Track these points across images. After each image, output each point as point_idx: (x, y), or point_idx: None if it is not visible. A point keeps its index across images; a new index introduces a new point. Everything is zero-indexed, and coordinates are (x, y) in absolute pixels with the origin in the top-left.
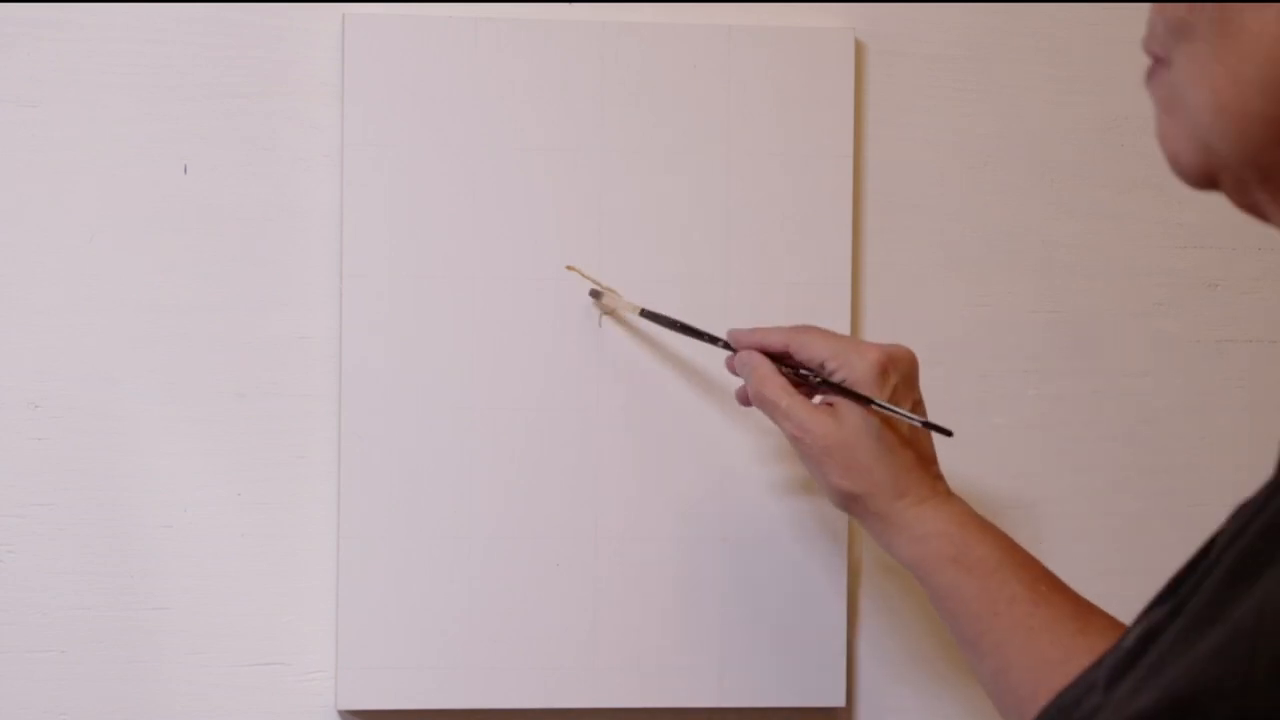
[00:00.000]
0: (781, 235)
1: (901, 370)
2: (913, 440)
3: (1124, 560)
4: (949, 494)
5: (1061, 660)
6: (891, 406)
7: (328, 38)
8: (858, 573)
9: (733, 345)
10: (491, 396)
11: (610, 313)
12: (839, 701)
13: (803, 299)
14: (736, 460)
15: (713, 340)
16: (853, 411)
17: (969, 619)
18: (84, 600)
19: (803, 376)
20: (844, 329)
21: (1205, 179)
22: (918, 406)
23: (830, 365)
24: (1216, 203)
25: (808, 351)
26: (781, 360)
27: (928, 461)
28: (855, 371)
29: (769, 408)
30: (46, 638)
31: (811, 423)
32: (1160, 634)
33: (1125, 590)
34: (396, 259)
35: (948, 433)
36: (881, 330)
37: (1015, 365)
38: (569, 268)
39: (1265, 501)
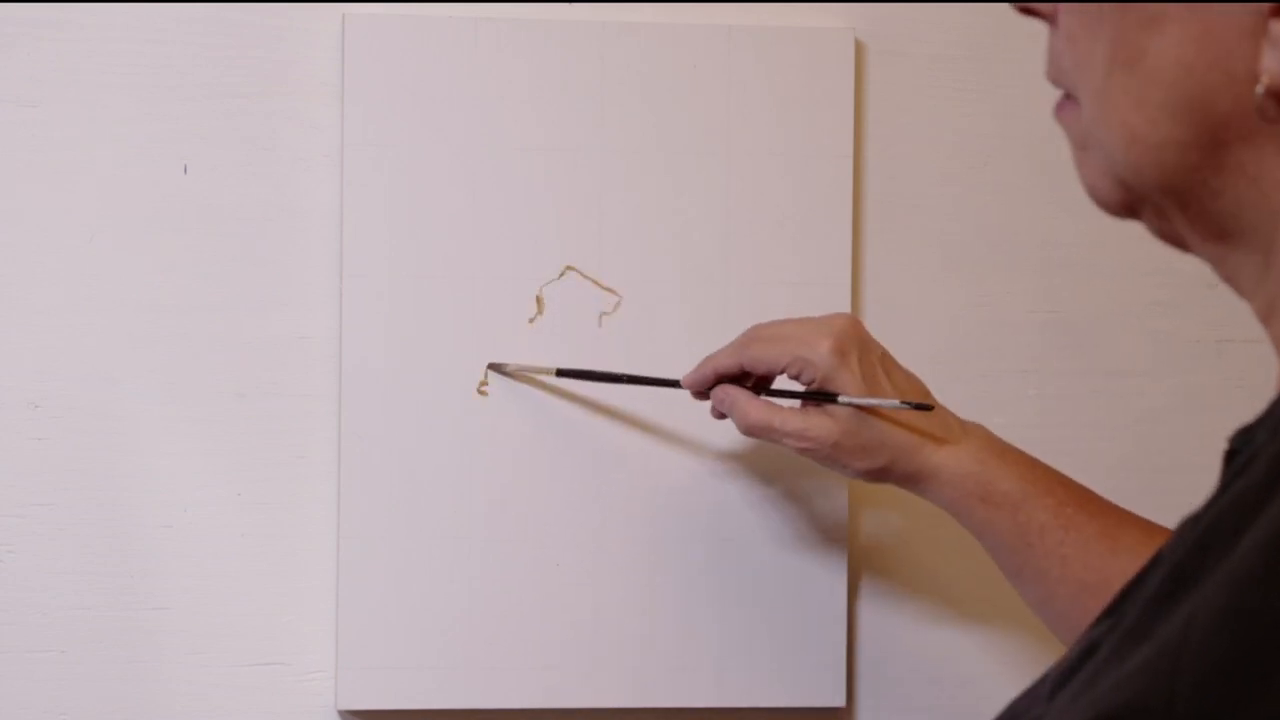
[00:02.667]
0: (781, 235)
1: (854, 339)
2: (908, 390)
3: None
4: (964, 430)
5: (1097, 584)
6: (861, 400)
7: (328, 38)
8: (858, 573)
9: (692, 388)
10: (492, 396)
11: (526, 378)
12: (839, 701)
13: (803, 299)
14: (736, 460)
15: (664, 384)
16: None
17: (1007, 552)
18: (84, 600)
19: (770, 389)
20: None
21: (1126, 210)
22: (885, 359)
23: (791, 371)
24: None
25: (763, 365)
26: (742, 380)
27: (928, 399)
28: (817, 370)
29: (763, 433)
30: (46, 638)
31: (810, 430)
32: (1099, 648)
33: None
34: (396, 259)
35: (928, 408)
36: (882, 330)
37: (1015, 365)
38: (491, 366)
39: (1201, 516)
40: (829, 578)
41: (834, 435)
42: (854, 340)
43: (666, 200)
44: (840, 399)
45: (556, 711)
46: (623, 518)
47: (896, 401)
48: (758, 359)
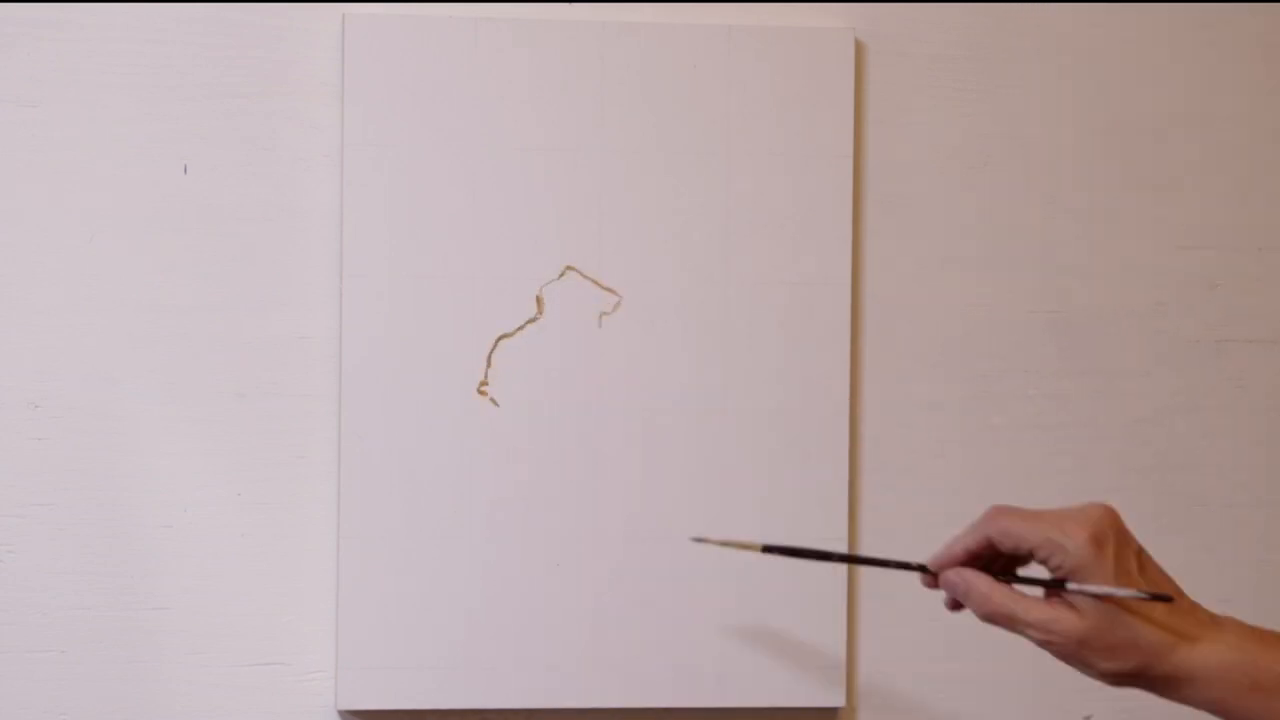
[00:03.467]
0: (781, 235)
1: (1111, 531)
2: (1159, 583)
3: None
4: (1213, 619)
5: None
6: (1092, 589)
7: (328, 38)
8: (858, 573)
9: (935, 566)
10: (491, 396)
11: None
12: (839, 701)
13: (803, 299)
14: (736, 460)
15: (906, 567)
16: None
17: None
18: (84, 600)
19: (1014, 575)
20: (844, 329)
21: None
22: (1142, 555)
23: (1040, 554)
24: (1216, 203)
25: (1012, 541)
26: (983, 558)
27: (1179, 596)
28: (1070, 558)
29: (1004, 622)
30: (46, 638)
31: (1055, 624)
32: None
33: None
34: (396, 259)
35: (1166, 599)
36: (882, 330)
37: (1015, 365)
38: (697, 539)
39: None
40: (829, 578)
41: (1080, 632)
42: (1111, 531)
43: (666, 200)
44: (1069, 585)
45: (556, 711)
46: (623, 518)
47: (1133, 591)
48: (1008, 532)
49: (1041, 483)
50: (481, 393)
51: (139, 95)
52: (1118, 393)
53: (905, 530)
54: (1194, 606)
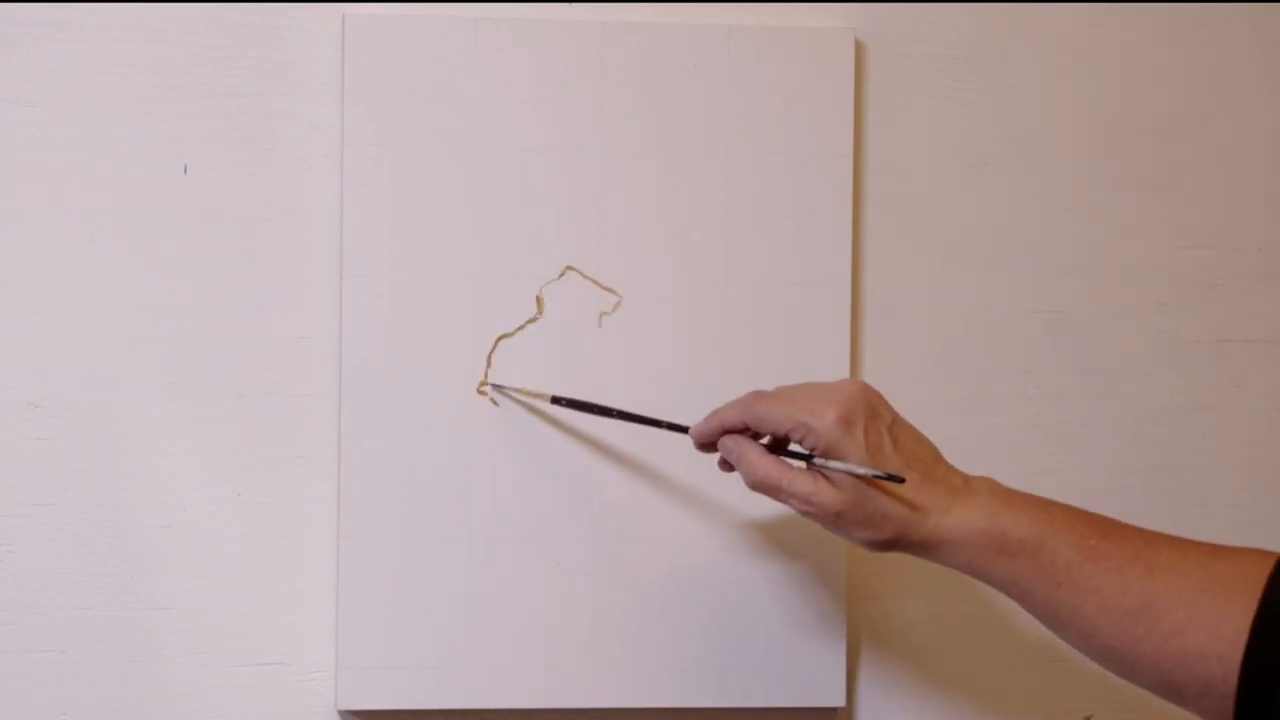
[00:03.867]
0: (781, 235)
1: (862, 408)
2: (917, 457)
3: None
4: (966, 486)
5: (1140, 607)
6: (836, 465)
7: (328, 38)
8: (858, 572)
9: (698, 439)
10: (492, 396)
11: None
12: (839, 701)
13: (803, 299)
14: None
15: (671, 428)
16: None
17: (1037, 598)
18: (84, 600)
19: (787, 451)
20: (844, 329)
21: None
22: (896, 425)
23: (794, 436)
24: (1216, 203)
25: (767, 425)
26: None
27: (933, 465)
28: (820, 438)
29: (770, 490)
30: (46, 638)
31: (815, 496)
32: None
33: None
34: (396, 259)
35: (899, 479)
36: (882, 330)
37: (1015, 365)
38: (483, 387)
39: None
40: (829, 578)
41: (838, 504)
42: (862, 408)
43: (666, 200)
44: (816, 461)
45: (556, 711)
46: (622, 518)
47: (869, 470)
48: (762, 418)
49: (1041, 483)
50: (481, 393)
51: (139, 95)
52: (1118, 393)
53: None
54: (950, 473)
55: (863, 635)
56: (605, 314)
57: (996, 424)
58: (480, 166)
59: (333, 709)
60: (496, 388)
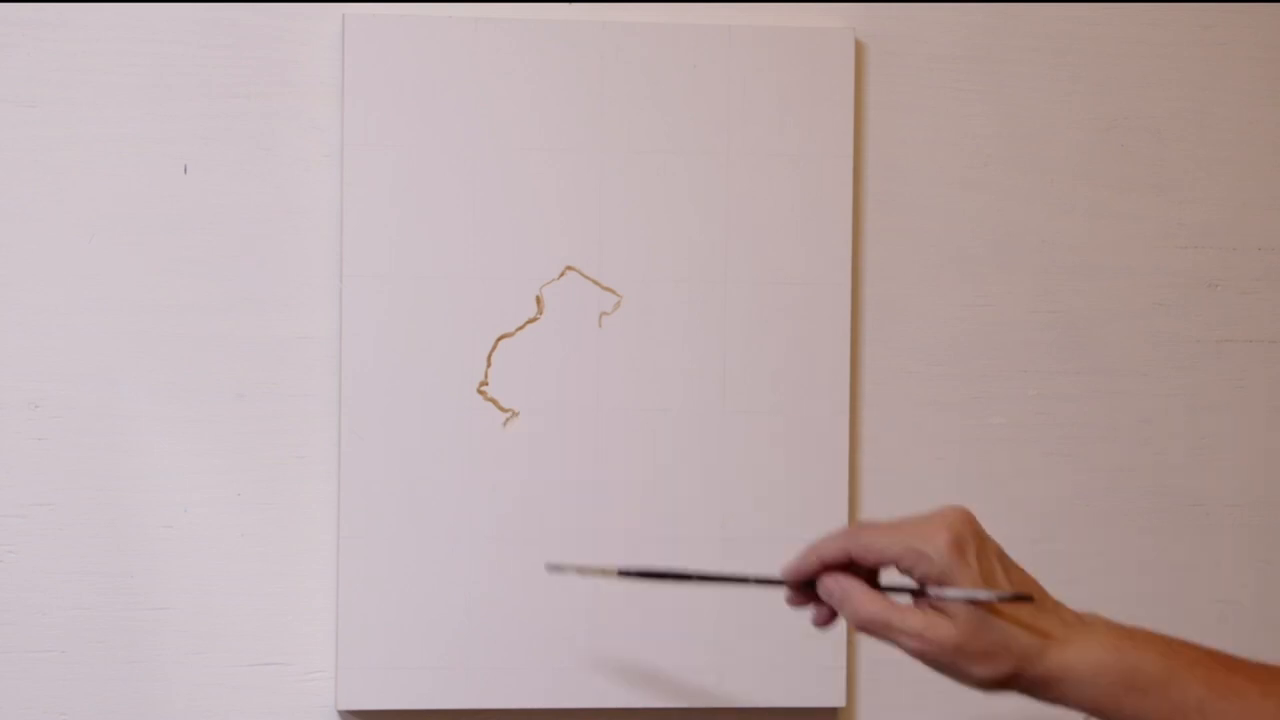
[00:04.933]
0: (781, 235)
1: (971, 535)
2: (1024, 583)
3: (1125, 559)
4: (1080, 619)
5: None
6: (950, 593)
7: (328, 38)
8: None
9: (794, 577)
10: (491, 396)
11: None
12: (839, 701)
13: (803, 299)
14: (736, 459)
15: (759, 582)
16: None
17: None
18: (84, 600)
19: (888, 586)
20: (844, 329)
21: None
22: (1002, 556)
23: (904, 564)
24: (1216, 203)
25: (873, 555)
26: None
27: (1044, 597)
28: (934, 565)
29: (880, 630)
30: (46, 638)
31: (930, 630)
32: None
33: (1125, 589)
34: (396, 259)
35: (1028, 599)
36: (882, 330)
37: (1015, 365)
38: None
39: None
40: None
41: (954, 638)
42: (971, 535)
43: (666, 200)
44: (930, 591)
45: (556, 711)
46: (623, 517)
47: (993, 592)
48: (869, 547)
49: (1042, 483)
50: (481, 392)
51: (139, 95)
52: (1118, 393)
53: None
54: (1059, 607)
55: (863, 635)
56: (605, 314)
57: (996, 424)
58: (480, 166)
59: (333, 709)
60: (555, 567)
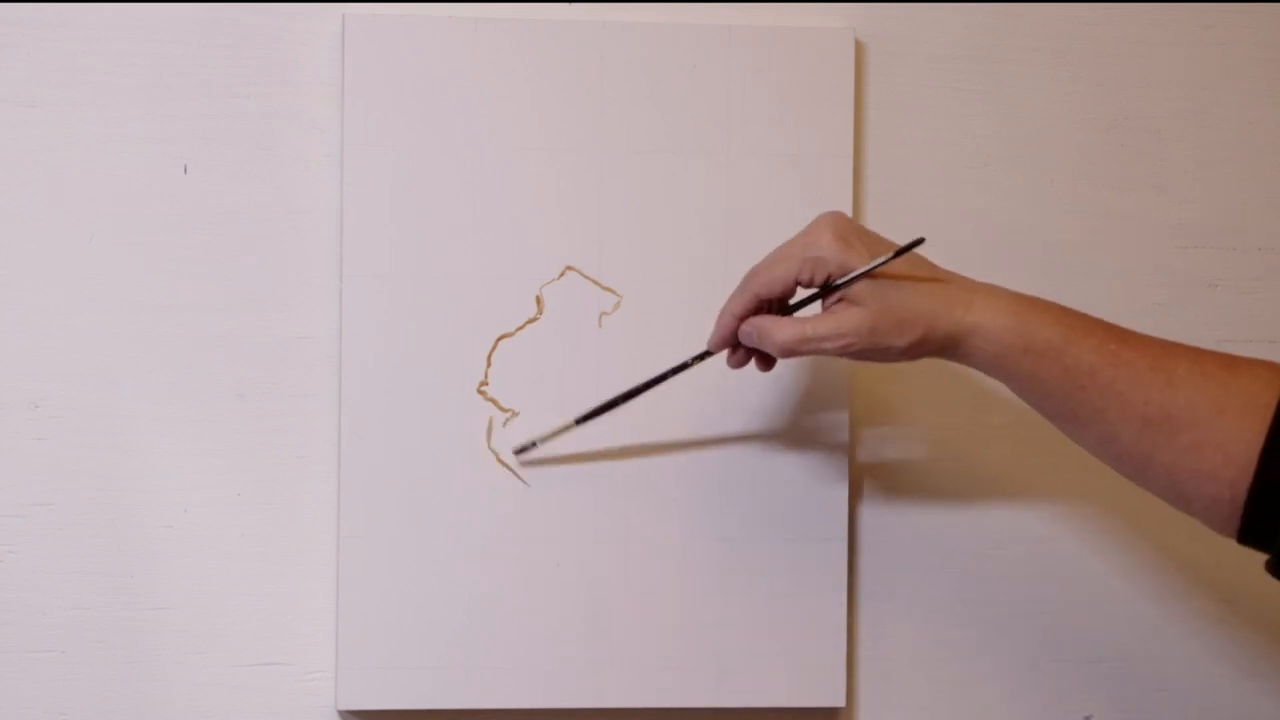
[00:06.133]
0: (781, 235)
1: (849, 226)
2: (915, 266)
3: (1125, 559)
4: (983, 286)
5: (1160, 419)
6: (860, 269)
7: (328, 38)
8: (857, 572)
9: (719, 345)
10: (491, 396)
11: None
12: (839, 701)
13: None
14: (736, 460)
15: (694, 360)
16: (857, 289)
17: (1058, 399)
18: (84, 600)
19: (797, 306)
20: None
21: None
22: (878, 239)
23: (804, 277)
24: (1216, 203)
25: (778, 284)
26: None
27: (935, 265)
28: (829, 264)
29: (800, 346)
30: (46, 638)
31: (844, 323)
32: None
33: (1127, 588)
34: (396, 259)
35: (918, 241)
36: None
37: None
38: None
39: None
40: (829, 577)
41: (868, 320)
42: (850, 227)
43: (666, 200)
44: (835, 281)
45: (556, 711)
46: (622, 518)
47: (889, 254)
48: (768, 283)
49: (1042, 482)
50: (481, 392)
51: (139, 95)
52: None
53: (905, 530)
54: (960, 277)
55: (863, 635)
56: (605, 314)
57: (996, 424)
58: (480, 166)
59: (333, 709)
60: (520, 449)
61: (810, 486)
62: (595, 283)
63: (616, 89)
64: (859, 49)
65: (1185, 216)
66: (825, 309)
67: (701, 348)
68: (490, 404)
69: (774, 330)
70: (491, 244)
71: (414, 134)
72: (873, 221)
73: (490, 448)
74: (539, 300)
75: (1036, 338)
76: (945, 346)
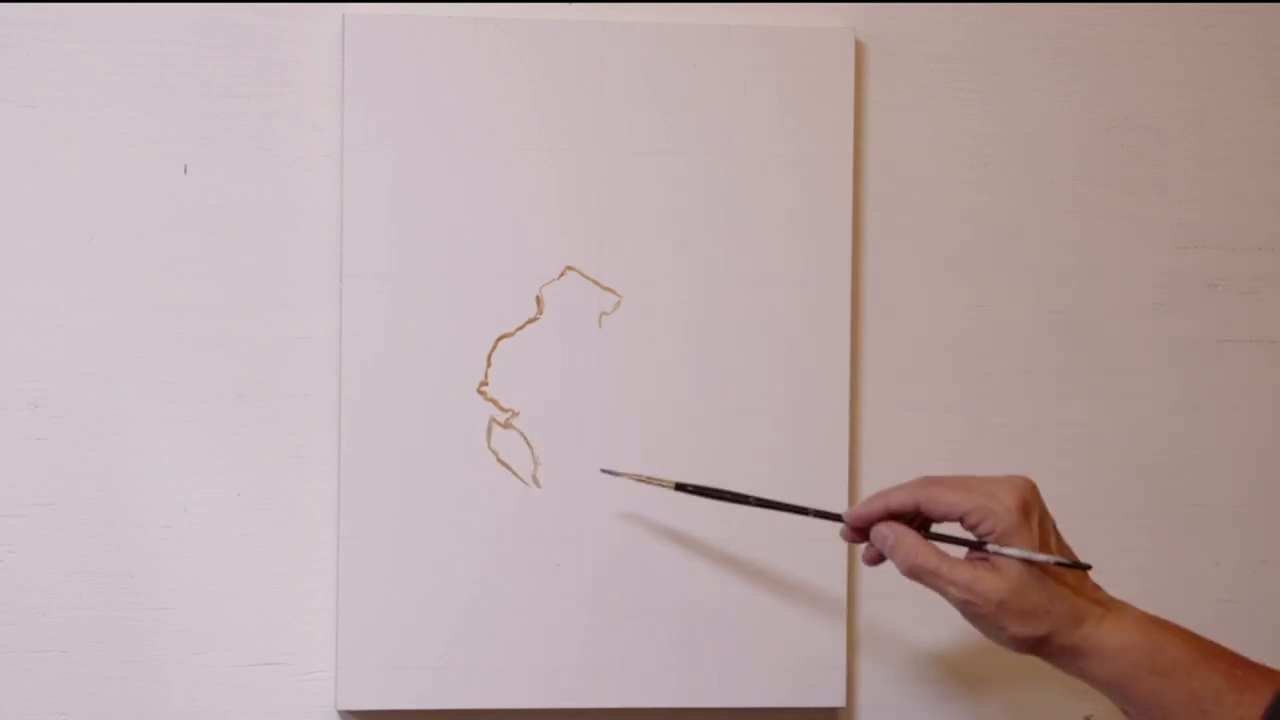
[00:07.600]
0: (781, 235)
1: (1036, 501)
2: (1067, 569)
3: (1125, 560)
4: (1117, 603)
5: None
6: (1017, 553)
7: (328, 38)
8: (857, 573)
9: (857, 522)
10: (491, 396)
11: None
12: (839, 701)
13: (802, 299)
14: (736, 460)
15: (818, 514)
16: (1005, 559)
17: None
18: (84, 600)
19: (940, 535)
20: (844, 329)
21: None
22: (1055, 529)
23: (971, 519)
24: (1216, 203)
25: (942, 508)
26: (910, 519)
27: (1085, 577)
28: (1000, 523)
29: (928, 578)
30: (46, 638)
31: (977, 583)
32: None
33: (1125, 590)
34: (396, 259)
35: (1086, 566)
36: (882, 330)
37: (1015, 365)
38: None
39: None
40: (829, 578)
41: (1001, 593)
42: (1036, 503)
43: (666, 200)
44: (989, 547)
45: (556, 711)
46: (623, 518)
47: (1055, 557)
48: (938, 500)
49: (1041, 482)
50: (481, 392)
51: (139, 95)
52: (1118, 393)
53: None
54: (1098, 588)
55: (863, 635)
56: (605, 314)
57: (996, 424)
58: (480, 166)
59: (333, 709)
60: (610, 472)
61: (810, 486)
62: (595, 283)
63: (616, 89)
64: (859, 49)
65: (1185, 216)
66: (967, 557)
67: (701, 347)
68: (490, 404)
69: (914, 551)
70: (491, 244)
71: (414, 134)
72: (873, 221)
73: (490, 448)
74: (539, 300)
75: (1164, 657)
76: (1063, 655)
